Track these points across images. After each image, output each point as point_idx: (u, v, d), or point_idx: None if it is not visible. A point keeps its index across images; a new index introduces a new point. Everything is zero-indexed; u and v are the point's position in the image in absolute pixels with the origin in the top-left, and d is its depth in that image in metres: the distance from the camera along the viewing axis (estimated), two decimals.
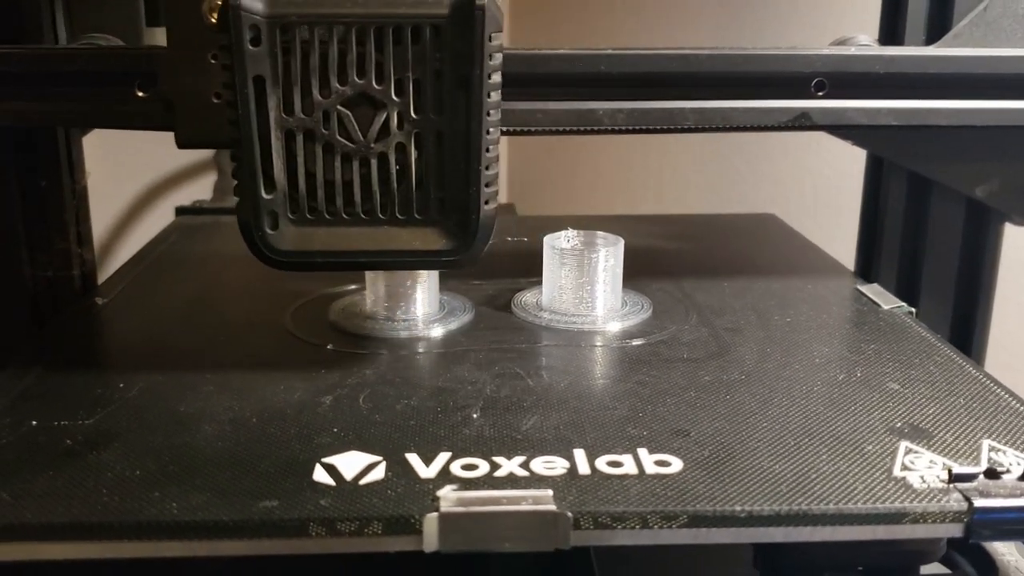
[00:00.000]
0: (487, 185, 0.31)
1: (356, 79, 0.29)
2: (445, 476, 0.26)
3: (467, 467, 0.27)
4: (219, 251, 0.50)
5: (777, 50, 0.38)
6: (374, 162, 0.30)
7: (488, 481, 0.26)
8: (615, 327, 0.38)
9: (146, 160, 0.74)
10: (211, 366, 0.34)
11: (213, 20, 0.29)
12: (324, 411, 0.30)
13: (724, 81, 0.37)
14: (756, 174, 0.79)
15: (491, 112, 0.30)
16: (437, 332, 0.37)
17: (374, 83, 0.29)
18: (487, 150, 0.30)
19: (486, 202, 0.31)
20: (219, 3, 0.29)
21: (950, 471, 0.26)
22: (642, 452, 0.28)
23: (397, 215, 0.31)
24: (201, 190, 0.74)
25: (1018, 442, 0.29)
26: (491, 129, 0.30)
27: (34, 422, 0.29)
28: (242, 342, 0.36)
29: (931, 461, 0.27)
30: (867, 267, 0.50)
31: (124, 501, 0.25)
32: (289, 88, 0.29)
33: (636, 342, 0.36)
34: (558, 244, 0.39)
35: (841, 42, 0.43)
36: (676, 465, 0.27)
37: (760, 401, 0.31)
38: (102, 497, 0.25)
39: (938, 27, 0.45)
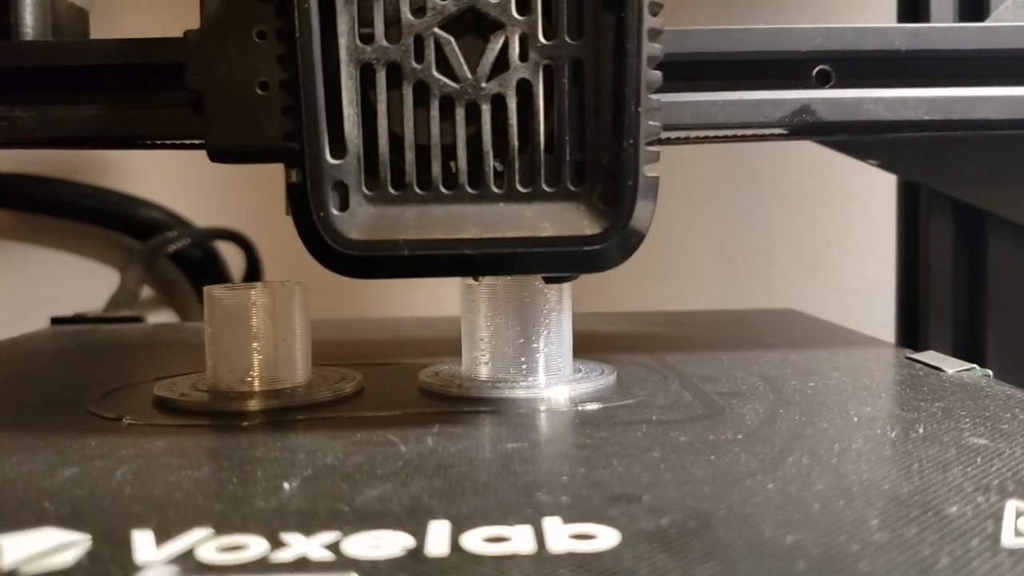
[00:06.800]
0: (647, 141, 0.21)
1: None
2: (187, 559, 0.15)
3: (227, 548, 0.15)
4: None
5: (768, 27, 0.28)
6: (486, 109, 0.21)
7: (258, 567, 0.14)
8: (558, 392, 0.26)
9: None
10: None
11: None
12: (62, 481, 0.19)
13: (699, 67, 0.28)
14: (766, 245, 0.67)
15: (651, 34, 0.21)
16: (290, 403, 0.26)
17: None
18: (646, 88, 0.21)
19: (646, 164, 0.21)
20: None
21: None
22: (550, 523, 0.16)
23: (518, 186, 0.22)
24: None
25: None
26: (651, 55, 0.21)
27: None
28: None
29: None
30: (912, 336, 0.38)
31: None
32: (368, 5, 0.21)
33: (584, 407, 0.25)
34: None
35: None
36: (607, 538, 0.15)
37: (764, 460, 0.19)
38: None
39: (969, 15, 0.36)
